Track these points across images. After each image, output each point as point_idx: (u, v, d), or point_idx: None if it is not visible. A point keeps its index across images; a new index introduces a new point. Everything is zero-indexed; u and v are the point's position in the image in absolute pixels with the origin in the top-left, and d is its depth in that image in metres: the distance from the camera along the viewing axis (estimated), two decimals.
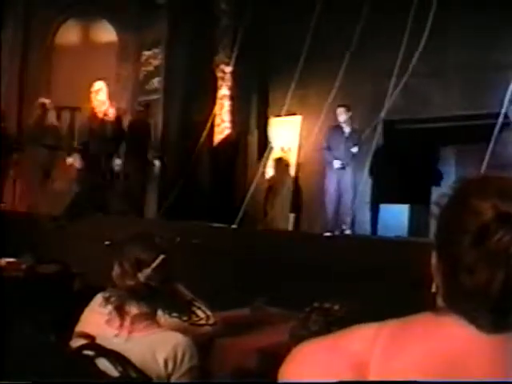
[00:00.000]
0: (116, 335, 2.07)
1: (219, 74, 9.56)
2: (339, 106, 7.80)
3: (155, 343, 2.03)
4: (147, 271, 2.13)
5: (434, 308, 1.13)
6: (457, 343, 1.09)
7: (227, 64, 9.53)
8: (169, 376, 1.99)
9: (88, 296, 2.56)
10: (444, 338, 1.10)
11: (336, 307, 1.68)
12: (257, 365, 2.40)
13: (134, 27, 9.90)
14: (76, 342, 2.32)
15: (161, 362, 1.99)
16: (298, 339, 1.41)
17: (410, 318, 1.15)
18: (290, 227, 8.54)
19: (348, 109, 7.78)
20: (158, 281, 2.12)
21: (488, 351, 1.07)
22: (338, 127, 7.86)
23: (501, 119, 6.33)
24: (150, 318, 2.10)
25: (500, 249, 1.03)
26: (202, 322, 2.64)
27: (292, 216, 8.72)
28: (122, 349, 2.02)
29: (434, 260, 1.12)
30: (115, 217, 7.75)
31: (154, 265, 2.12)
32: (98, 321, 2.29)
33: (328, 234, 6.81)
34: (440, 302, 1.12)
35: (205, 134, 9.33)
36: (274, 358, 1.99)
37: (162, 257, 2.11)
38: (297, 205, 8.78)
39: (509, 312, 1.04)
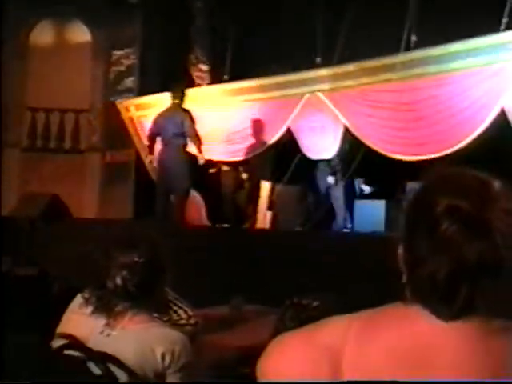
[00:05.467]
0: (102, 332, 2.11)
1: (197, 74, 9.57)
2: None
3: (153, 337, 2.08)
4: (125, 273, 2.16)
5: (403, 299, 1.19)
6: (421, 331, 1.15)
7: (204, 63, 9.55)
8: (165, 369, 2.05)
9: (66, 298, 2.58)
10: (410, 327, 1.17)
11: (315, 304, 1.73)
12: (236, 361, 2.45)
13: (107, 27, 9.87)
14: (57, 343, 2.36)
15: (158, 355, 2.03)
16: (277, 334, 1.45)
17: (379, 309, 1.22)
18: (268, 225, 8.60)
19: None
20: (136, 283, 2.15)
21: (451, 338, 1.13)
22: None
23: None
24: (140, 313, 2.14)
25: (446, 239, 1.10)
26: (183, 321, 2.67)
27: (269, 213, 8.77)
28: (112, 345, 2.06)
29: (400, 252, 1.20)
30: (93, 219, 7.74)
31: (132, 267, 2.15)
32: (80, 321, 2.32)
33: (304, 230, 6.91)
34: (408, 292, 1.18)
35: None
36: (253, 354, 2.05)
37: (141, 260, 2.14)
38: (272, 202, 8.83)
39: (458, 299, 1.11)
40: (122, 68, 10.10)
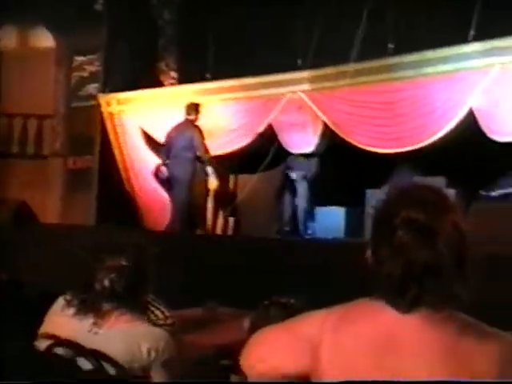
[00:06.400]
0: (90, 330, 2.24)
1: (169, 81, 9.66)
2: None
3: (139, 334, 2.24)
4: (113, 276, 2.31)
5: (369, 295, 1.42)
6: (384, 322, 1.37)
7: (175, 70, 9.68)
8: (151, 363, 2.21)
9: (39, 302, 2.67)
10: (375, 318, 1.39)
11: (292, 301, 1.90)
12: (215, 356, 2.60)
13: (71, 33, 9.89)
14: (42, 343, 2.46)
15: (144, 351, 2.20)
16: (257, 329, 1.62)
17: (351, 304, 1.45)
18: (230, 231, 8.74)
19: None
20: (123, 285, 2.30)
21: (406, 326, 1.36)
22: None
23: None
24: (126, 313, 2.29)
25: (401, 245, 1.33)
26: (161, 322, 2.82)
27: (231, 220, 8.90)
28: (101, 342, 2.20)
29: (368, 254, 1.42)
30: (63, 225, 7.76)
31: (119, 270, 2.30)
32: (63, 322, 2.43)
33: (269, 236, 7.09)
34: (373, 289, 1.41)
35: None
36: (230, 351, 2.21)
37: (128, 264, 2.30)
38: (236, 208, 8.97)
39: (410, 295, 1.34)
40: (85, 74, 10.11)
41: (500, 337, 1.35)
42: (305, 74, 7.93)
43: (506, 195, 6.62)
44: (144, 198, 9.50)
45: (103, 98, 9.66)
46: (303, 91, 7.83)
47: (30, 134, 10.05)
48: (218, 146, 8.40)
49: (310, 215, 7.94)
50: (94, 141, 9.66)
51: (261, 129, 8.19)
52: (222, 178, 8.49)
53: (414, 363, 1.32)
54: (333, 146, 7.69)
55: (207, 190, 8.34)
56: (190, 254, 5.83)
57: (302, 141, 7.91)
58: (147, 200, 9.42)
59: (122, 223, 7.90)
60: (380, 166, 7.16)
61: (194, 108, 8.15)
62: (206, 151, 7.96)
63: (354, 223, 7.37)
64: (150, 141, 9.32)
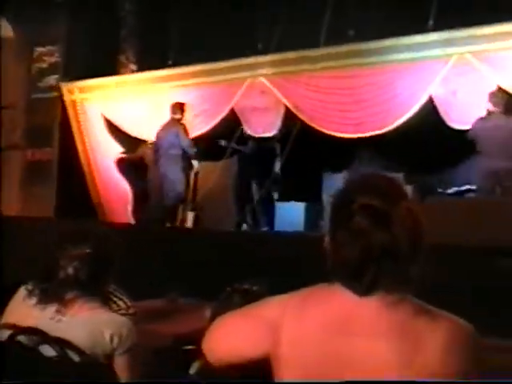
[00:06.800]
0: (52, 318, 2.26)
1: (128, 74, 9.65)
2: None
3: (102, 321, 2.27)
4: (76, 263, 2.34)
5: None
6: (342, 305, 1.44)
7: (134, 63, 9.65)
8: (113, 350, 2.24)
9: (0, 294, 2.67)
10: (333, 302, 1.46)
11: (254, 288, 1.95)
12: (172, 346, 2.65)
13: (30, 24, 9.77)
14: (3, 333, 2.46)
15: (107, 337, 2.22)
16: (219, 316, 1.66)
17: (309, 289, 1.52)
18: (190, 224, 8.77)
19: None
20: (87, 272, 2.33)
21: (363, 309, 1.43)
22: None
23: None
24: (89, 301, 2.32)
25: (358, 230, 1.40)
26: (123, 311, 2.85)
27: (191, 214, 8.93)
28: (64, 329, 2.22)
29: (326, 240, 1.48)
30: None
31: (83, 258, 2.33)
32: (24, 312, 2.43)
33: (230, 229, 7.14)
34: (331, 273, 1.47)
35: None
36: (191, 340, 2.25)
37: (92, 251, 2.32)
38: (196, 203, 9.00)
39: (367, 278, 1.41)
40: (44, 65, 10.01)
41: (448, 317, 1.43)
42: (266, 58, 8.01)
43: (461, 192, 6.82)
44: (104, 189, 9.47)
45: (65, 86, 9.61)
46: (264, 76, 7.90)
47: None
48: None
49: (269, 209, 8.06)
50: (53, 132, 9.57)
51: (223, 114, 8.27)
52: None
53: (370, 343, 1.39)
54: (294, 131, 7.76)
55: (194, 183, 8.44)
56: (155, 246, 5.84)
57: (266, 124, 7.99)
58: (107, 191, 9.40)
59: (82, 216, 7.86)
60: (340, 153, 7.28)
61: (179, 107, 8.38)
62: (191, 146, 8.19)
63: (312, 218, 7.49)
64: (112, 128, 9.33)
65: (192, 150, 8.20)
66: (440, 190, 6.95)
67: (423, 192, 6.15)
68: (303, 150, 7.54)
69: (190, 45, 8.71)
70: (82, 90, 9.61)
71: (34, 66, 10.01)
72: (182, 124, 8.36)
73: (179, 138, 8.18)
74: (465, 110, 6.64)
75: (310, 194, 7.59)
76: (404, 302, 1.42)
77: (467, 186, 6.75)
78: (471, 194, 6.63)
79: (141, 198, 9.19)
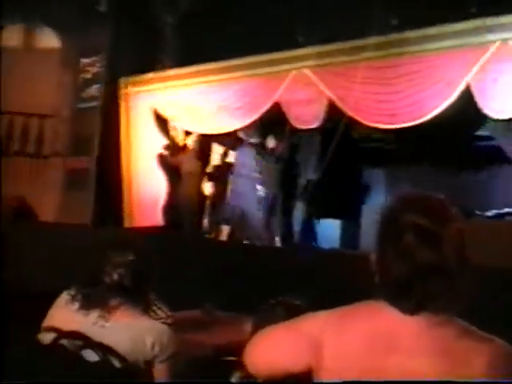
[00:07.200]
0: (96, 323, 2.31)
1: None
2: None
3: (144, 328, 2.30)
4: (121, 270, 2.38)
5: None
6: (388, 323, 1.44)
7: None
8: (154, 358, 2.27)
9: (40, 299, 2.71)
10: (377, 318, 1.46)
11: (297, 302, 1.97)
12: (212, 357, 2.67)
13: (75, 34, 9.96)
14: (46, 336, 2.50)
15: (148, 344, 2.26)
16: (260, 328, 1.68)
17: (353, 306, 1.52)
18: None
19: None
20: (131, 278, 2.37)
21: (407, 327, 1.42)
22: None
23: None
24: (131, 308, 2.36)
25: (407, 247, 1.40)
26: (162, 320, 2.89)
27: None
28: (107, 335, 2.26)
29: (372, 258, 1.48)
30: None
31: (128, 265, 2.38)
32: (67, 316, 2.47)
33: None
34: (377, 290, 1.47)
35: None
36: (230, 351, 2.27)
37: (136, 259, 2.37)
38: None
39: (414, 296, 1.40)
40: (89, 76, 10.19)
41: (493, 340, 1.42)
42: (309, 50, 7.96)
43: (501, 215, 6.72)
44: (138, 193, 9.64)
45: (122, 81, 9.91)
46: (309, 67, 7.86)
47: (32, 133, 10.08)
48: (222, 124, 8.64)
49: (307, 226, 8.06)
50: (93, 141, 9.73)
51: (267, 107, 8.26)
52: None
53: (413, 363, 1.39)
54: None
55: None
56: (192, 255, 5.86)
57: (310, 117, 7.93)
58: (142, 195, 9.57)
59: (116, 224, 7.97)
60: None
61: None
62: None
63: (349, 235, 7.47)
64: (159, 121, 9.51)
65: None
66: (478, 213, 6.86)
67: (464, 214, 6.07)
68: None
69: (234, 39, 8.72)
70: (135, 84, 9.86)
71: (80, 76, 10.19)
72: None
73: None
74: (505, 98, 6.41)
75: (346, 211, 7.58)
76: (450, 322, 1.42)
77: (507, 209, 6.66)
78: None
79: (173, 196, 9.27)
